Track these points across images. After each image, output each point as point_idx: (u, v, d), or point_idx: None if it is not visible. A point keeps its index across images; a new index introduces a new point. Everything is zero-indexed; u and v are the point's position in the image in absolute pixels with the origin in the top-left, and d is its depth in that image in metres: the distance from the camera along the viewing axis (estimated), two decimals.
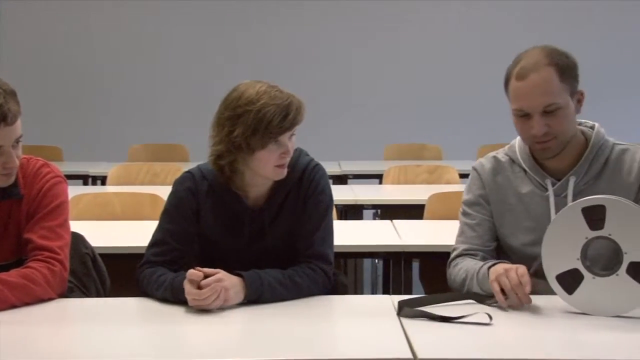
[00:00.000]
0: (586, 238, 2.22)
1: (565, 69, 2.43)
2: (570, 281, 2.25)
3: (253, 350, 2.05)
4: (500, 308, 2.30)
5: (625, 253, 2.19)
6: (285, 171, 2.53)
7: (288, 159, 2.52)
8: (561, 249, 2.26)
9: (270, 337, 2.15)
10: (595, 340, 2.10)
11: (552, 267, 2.28)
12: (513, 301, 2.28)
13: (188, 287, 2.30)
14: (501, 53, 7.61)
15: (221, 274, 2.32)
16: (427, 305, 2.31)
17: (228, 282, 2.32)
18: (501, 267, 2.33)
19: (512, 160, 2.62)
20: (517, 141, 2.64)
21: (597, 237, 2.22)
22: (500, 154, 2.67)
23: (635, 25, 7.55)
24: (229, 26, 7.59)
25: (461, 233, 2.65)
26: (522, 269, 2.29)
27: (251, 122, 2.44)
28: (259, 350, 2.05)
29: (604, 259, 2.26)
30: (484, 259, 2.56)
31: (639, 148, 2.54)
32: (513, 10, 7.56)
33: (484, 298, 2.35)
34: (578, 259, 2.24)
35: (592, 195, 2.32)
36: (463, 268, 2.52)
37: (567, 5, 7.54)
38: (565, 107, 2.43)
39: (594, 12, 7.55)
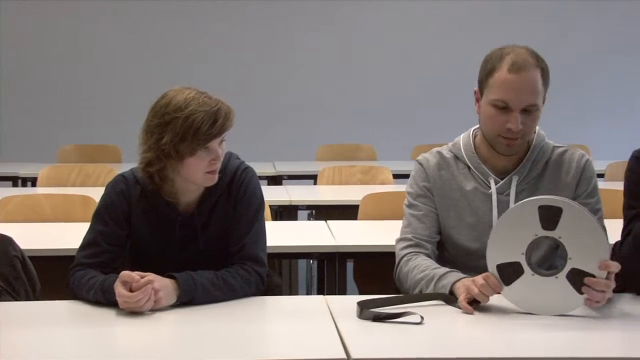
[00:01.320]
0: (535, 235, 2.25)
1: (546, 74, 2.50)
2: (509, 273, 2.28)
3: (185, 352, 2.04)
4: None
5: (570, 258, 2.22)
6: (216, 177, 2.52)
7: (218, 165, 2.51)
8: (508, 241, 2.28)
9: (202, 338, 2.13)
10: (526, 338, 2.13)
11: (495, 256, 2.30)
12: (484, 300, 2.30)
13: (119, 289, 2.28)
14: (434, 54, 7.73)
15: (152, 275, 2.31)
16: (389, 305, 2.31)
17: (159, 283, 2.30)
18: (462, 284, 2.33)
19: (457, 157, 2.65)
20: (461, 139, 2.68)
21: (546, 237, 2.25)
22: (445, 150, 2.69)
23: (576, 27, 7.69)
24: (159, 25, 7.52)
25: (408, 224, 2.65)
26: (483, 275, 2.30)
27: (180, 128, 2.42)
28: (191, 352, 2.04)
29: (547, 259, 2.29)
30: (432, 252, 2.60)
31: (576, 150, 2.62)
32: (445, 11, 7.63)
33: (450, 299, 2.36)
34: (522, 254, 2.27)
35: (533, 194, 2.36)
36: (419, 268, 2.51)
37: (493, 5, 7.63)
38: (539, 110, 2.50)
39: (522, 12, 7.66)
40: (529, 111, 2.47)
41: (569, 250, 2.22)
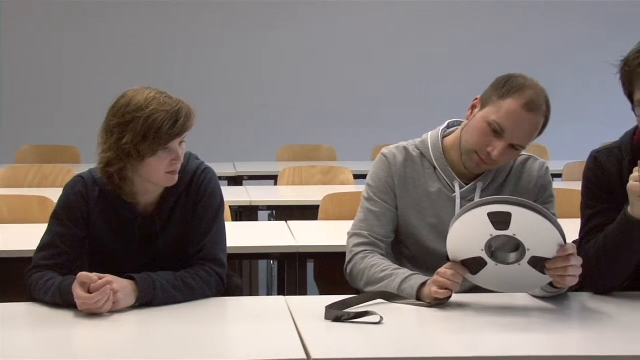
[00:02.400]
0: (490, 235, 2.28)
1: (546, 125, 2.54)
2: (474, 265, 2.32)
3: (144, 354, 2.02)
4: (426, 308, 2.33)
5: (528, 249, 2.26)
6: (176, 177, 2.51)
7: (179, 166, 2.50)
8: (466, 241, 2.32)
9: (162, 340, 2.12)
10: (487, 337, 2.15)
11: (457, 254, 2.33)
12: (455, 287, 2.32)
13: (77, 291, 2.26)
14: (394, 54, 7.75)
15: (110, 276, 2.29)
16: (353, 305, 2.31)
17: (118, 284, 2.29)
18: (428, 287, 2.34)
19: (423, 155, 2.66)
20: (429, 137, 2.68)
21: (501, 236, 2.27)
22: (411, 146, 2.69)
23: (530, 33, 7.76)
24: (117, 24, 7.46)
25: (364, 219, 2.64)
26: (447, 265, 2.33)
27: (141, 128, 2.40)
28: (150, 353, 2.03)
29: (508, 250, 2.31)
30: (387, 253, 2.60)
31: (538, 158, 2.67)
32: (405, 12, 7.66)
33: (393, 297, 2.39)
34: (482, 250, 2.30)
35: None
36: (379, 267, 2.50)
37: (453, 5, 7.68)
38: (520, 152, 2.56)
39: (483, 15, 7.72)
40: (515, 148, 2.51)
41: (525, 244, 2.26)
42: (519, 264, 2.28)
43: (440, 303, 2.33)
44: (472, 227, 2.29)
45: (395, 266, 2.51)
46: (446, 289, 2.31)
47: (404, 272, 2.45)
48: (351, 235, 2.65)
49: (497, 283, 2.37)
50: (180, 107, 2.44)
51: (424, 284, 2.37)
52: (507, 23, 7.71)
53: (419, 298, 2.36)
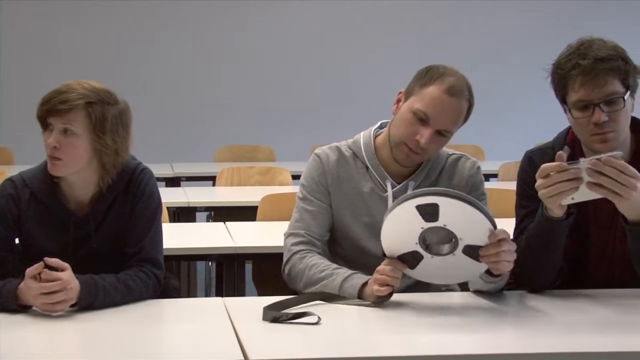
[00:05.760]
0: (422, 228, 2.30)
1: (470, 110, 2.56)
2: (411, 259, 2.34)
3: (81, 356, 2.01)
4: (366, 307, 2.34)
5: (461, 239, 2.28)
6: (56, 166, 2.46)
7: (58, 155, 2.44)
8: (399, 236, 2.34)
9: (99, 342, 2.10)
10: (424, 337, 2.17)
11: (393, 250, 2.35)
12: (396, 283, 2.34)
13: (31, 284, 2.24)
14: (332, 55, 7.76)
15: (69, 271, 2.27)
16: (292, 306, 2.30)
17: (74, 284, 2.27)
18: (370, 287, 2.36)
19: (355, 155, 2.67)
20: (362, 137, 2.69)
21: (432, 228, 2.29)
22: (344, 146, 2.69)
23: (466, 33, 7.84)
24: (53, 24, 7.36)
25: (300, 219, 2.64)
26: (385, 262, 2.35)
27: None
28: (86, 355, 2.01)
29: (442, 241, 2.33)
30: (324, 252, 2.60)
31: (470, 157, 2.69)
32: (342, 11, 7.68)
33: (334, 297, 2.40)
34: (417, 243, 2.32)
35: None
36: (318, 267, 2.50)
37: (386, 5, 7.73)
38: (448, 138, 2.56)
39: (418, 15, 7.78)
40: (442, 135, 2.52)
41: (457, 233, 2.28)
42: (454, 254, 2.30)
43: (383, 301, 2.34)
44: (402, 222, 2.31)
45: (335, 265, 2.52)
46: (387, 285, 2.32)
47: (344, 271, 2.46)
48: (288, 235, 2.65)
49: (436, 275, 2.40)
50: (64, 87, 2.44)
51: (365, 284, 2.38)
52: (443, 24, 7.79)
53: (361, 297, 2.37)
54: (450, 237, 2.30)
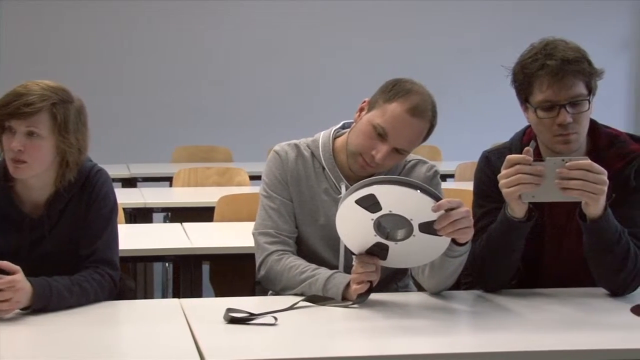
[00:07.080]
0: (372, 220, 2.30)
1: (431, 131, 2.55)
2: (379, 251, 2.36)
3: (33, 356, 1.99)
4: (340, 307, 2.35)
5: (411, 219, 2.29)
6: (19, 169, 2.42)
7: (22, 157, 2.40)
8: (356, 233, 2.35)
9: (53, 344, 2.08)
10: (383, 339, 2.17)
11: (357, 247, 2.37)
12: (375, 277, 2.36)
13: None
14: (291, 55, 7.75)
15: (19, 275, 2.23)
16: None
17: (22, 284, 2.23)
18: (353, 287, 2.37)
19: (313, 155, 2.66)
20: (320, 137, 2.68)
21: (381, 216, 2.30)
22: (303, 144, 2.68)
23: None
24: (27, 25, 7.27)
25: (268, 217, 2.61)
26: (357, 260, 2.37)
27: None
28: (38, 356, 1.99)
29: (397, 226, 2.33)
30: (295, 250, 2.59)
31: (426, 161, 2.68)
32: (303, 11, 7.68)
33: (319, 299, 2.40)
34: (375, 235, 2.32)
35: None
36: (298, 269, 2.49)
37: (349, 5, 7.75)
38: (405, 156, 2.56)
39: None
40: (399, 152, 2.51)
41: (406, 215, 2.28)
42: (414, 235, 2.31)
43: (364, 299, 2.35)
44: (351, 219, 2.32)
45: (314, 266, 2.51)
46: (366, 282, 2.34)
47: (325, 272, 2.46)
48: (257, 234, 2.62)
49: (410, 260, 2.42)
50: (23, 89, 2.41)
51: (349, 284, 2.39)
52: (402, 24, 7.81)
53: (345, 297, 2.38)
54: (403, 221, 2.30)
